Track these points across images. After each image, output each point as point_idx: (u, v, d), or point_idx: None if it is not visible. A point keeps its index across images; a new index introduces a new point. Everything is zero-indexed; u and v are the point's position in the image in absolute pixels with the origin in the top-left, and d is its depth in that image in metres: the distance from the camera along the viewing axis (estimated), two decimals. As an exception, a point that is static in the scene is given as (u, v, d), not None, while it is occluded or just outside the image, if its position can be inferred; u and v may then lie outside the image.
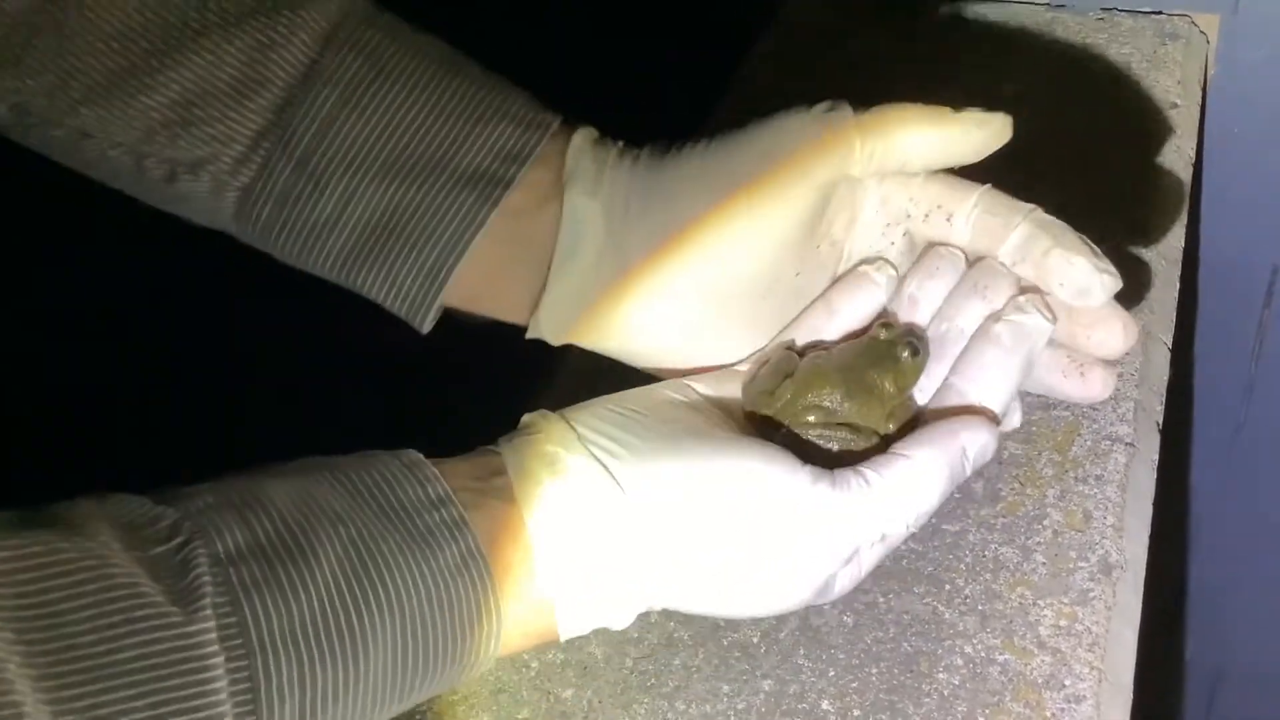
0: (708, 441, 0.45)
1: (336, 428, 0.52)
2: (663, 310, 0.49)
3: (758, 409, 0.48)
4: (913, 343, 0.48)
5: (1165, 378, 0.66)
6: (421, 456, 0.44)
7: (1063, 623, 0.53)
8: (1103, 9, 0.87)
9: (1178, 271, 0.71)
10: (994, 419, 0.47)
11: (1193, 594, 1.11)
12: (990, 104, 0.48)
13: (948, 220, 0.49)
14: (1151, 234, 0.71)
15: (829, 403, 0.47)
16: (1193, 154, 0.79)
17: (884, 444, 0.47)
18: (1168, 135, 0.77)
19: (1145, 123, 0.78)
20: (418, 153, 0.49)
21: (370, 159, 0.49)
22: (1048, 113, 0.79)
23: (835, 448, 0.47)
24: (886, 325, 0.49)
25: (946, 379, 0.48)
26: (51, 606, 0.35)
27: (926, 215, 0.49)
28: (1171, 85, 0.81)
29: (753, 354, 0.51)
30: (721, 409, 0.49)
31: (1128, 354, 0.64)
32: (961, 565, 0.56)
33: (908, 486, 0.44)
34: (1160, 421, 0.63)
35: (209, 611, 0.37)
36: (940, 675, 0.52)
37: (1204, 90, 0.85)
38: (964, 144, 0.48)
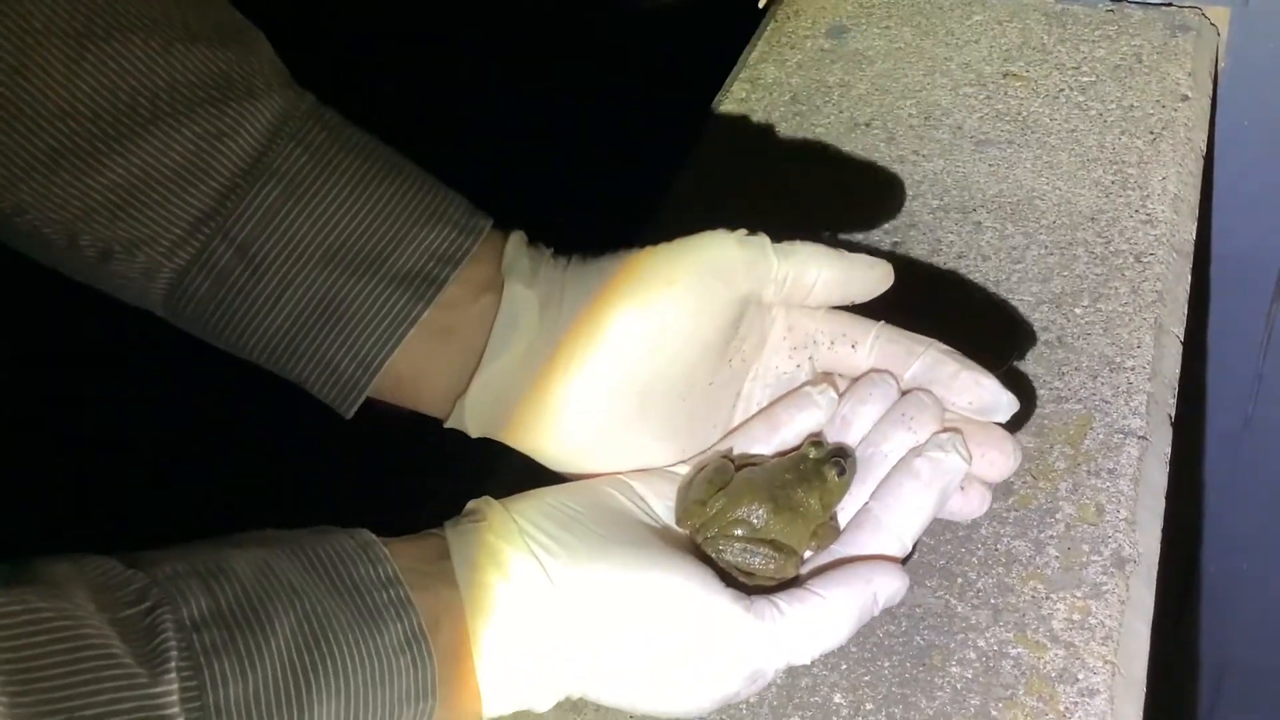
0: (639, 551, 0.47)
1: (338, 425, 0.52)
2: (586, 402, 0.51)
3: (689, 518, 0.50)
4: (840, 463, 0.50)
5: (1177, 371, 0.65)
6: (374, 537, 0.45)
7: (1076, 616, 0.53)
8: (1113, 1, 0.87)
9: (1189, 264, 0.71)
10: (902, 560, 0.50)
11: (1204, 587, 1.11)
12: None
13: (852, 347, 0.54)
14: (1162, 226, 0.71)
15: (755, 519, 0.49)
16: (1203, 146, 0.79)
17: (801, 563, 0.50)
18: (1178, 128, 0.77)
19: (1155, 115, 0.78)
20: (356, 248, 0.50)
21: (310, 250, 0.50)
22: (1056, 105, 0.79)
23: (758, 562, 0.49)
24: (816, 444, 0.51)
25: (866, 503, 0.51)
26: (29, 661, 0.36)
27: (832, 342, 0.54)
28: (1182, 77, 0.81)
29: (692, 458, 0.53)
30: (655, 512, 0.51)
31: (1138, 348, 0.64)
32: (974, 559, 0.56)
33: (817, 624, 0.47)
34: (1172, 414, 0.63)
35: (173, 674, 0.38)
36: (953, 669, 0.52)
37: (1214, 83, 0.85)
38: (859, 281, 0.53)
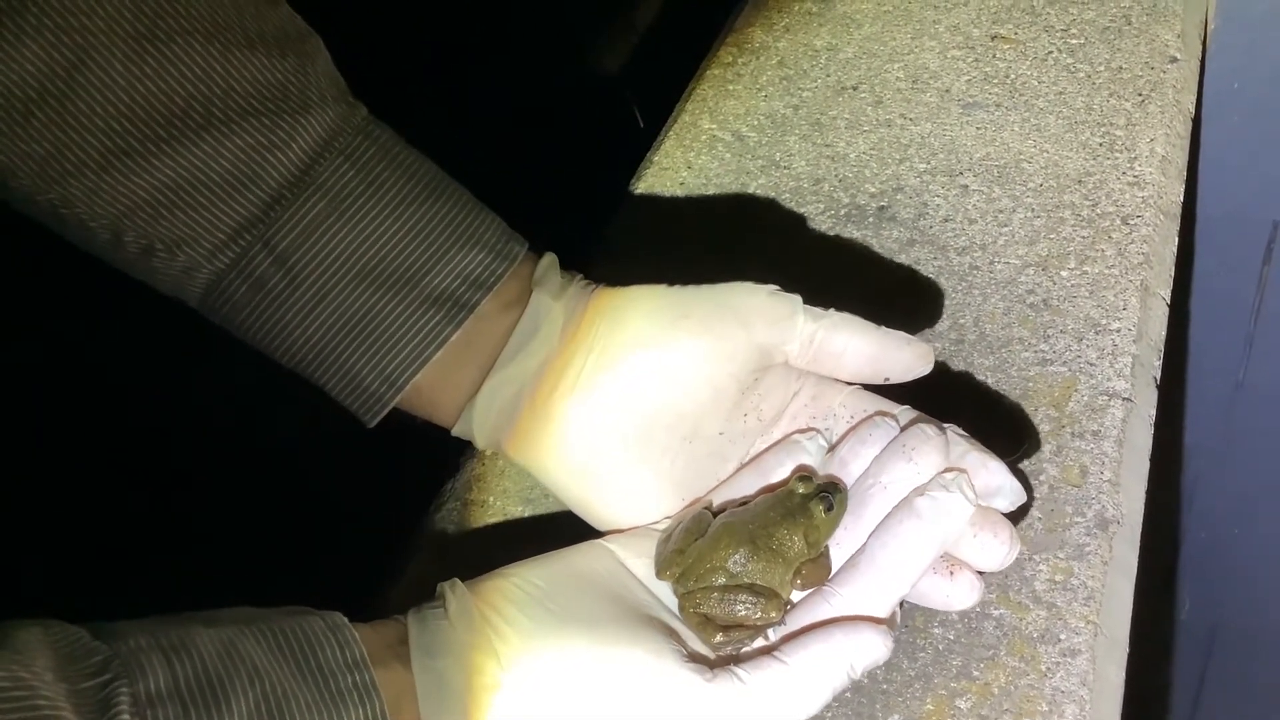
0: (596, 629, 0.46)
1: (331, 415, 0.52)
2: (589, 419, 0.51)
3: (667, 568, 0.49)
4: (828, 498, 0.48)
5: (1163, 333, 0.65)
6: (345, 620, 0.45)
7: (1058, 578, 0.53)
8: (1102, -38, 0.86)
9: (1176, 227, 0.71)
10: (886, 618, 0.47)
11: (1190, 552, 1.11)
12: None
13: None
14: (1150, 189, 0.70)
15: (734, 564, 0.47)
16: (1192, 108, 0.79)
17: (785, 605, 0.48)
18: (1166, 89, 0.77)
19: (1144, 77, 0.78)
20: (393, 266, 0.51)
21: (348, 265, 0.50)
22: (1045, 67, 0.79)
23: (740, 611, 0.47)
24: (804, 478, 0.49)
25: (865, 541, 0.49)
26: None
27: (852, 417, 0.52)
28: (1171, 39, 0.80)
29: (674, 514, 0.52)
30: (635, 574, 0.50)
31: (1124, 310, 0.63)
32: (957, 521, 0.56)
33: (784, 695, 0.45)
34: (1157, 377, 0.63)
35: None
36: (935, 630, 0.52)
37: (1204, 44, 0.84)
38: (893, 358, 0.51)
